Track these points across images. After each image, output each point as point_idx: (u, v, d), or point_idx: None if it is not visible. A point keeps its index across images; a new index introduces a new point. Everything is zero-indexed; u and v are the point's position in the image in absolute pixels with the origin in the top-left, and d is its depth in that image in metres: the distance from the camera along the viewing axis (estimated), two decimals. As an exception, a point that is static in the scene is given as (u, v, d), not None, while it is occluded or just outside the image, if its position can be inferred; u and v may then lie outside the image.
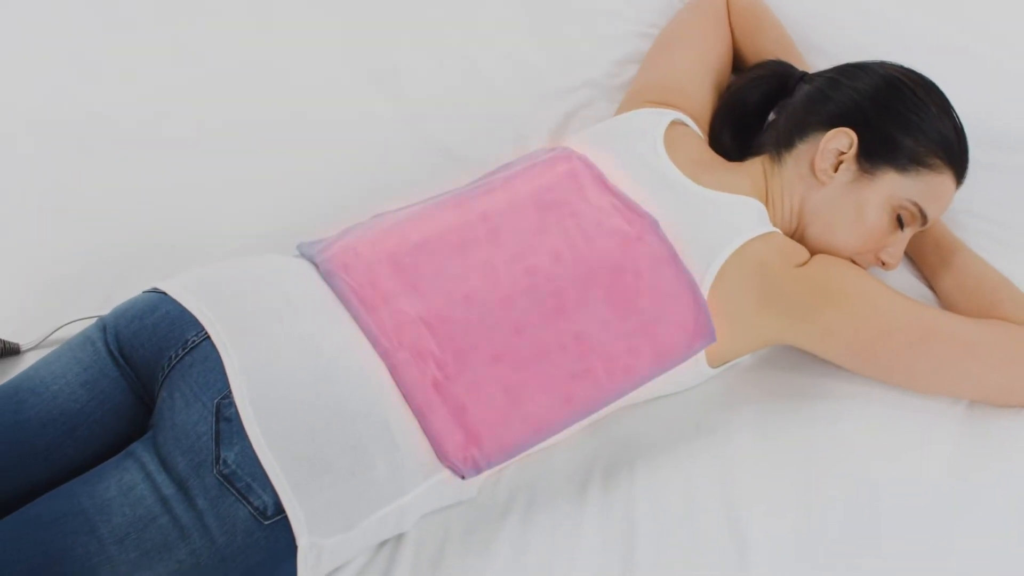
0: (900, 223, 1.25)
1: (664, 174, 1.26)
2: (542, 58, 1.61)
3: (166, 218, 1.43)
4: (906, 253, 1.35)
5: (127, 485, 1.01)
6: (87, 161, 1.50)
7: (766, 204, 1.28)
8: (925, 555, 1.08)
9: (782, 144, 1.30)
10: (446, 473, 1.09)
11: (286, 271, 1.18)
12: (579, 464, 1.18)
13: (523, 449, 1.12)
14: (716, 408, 1.23)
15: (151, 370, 1.10)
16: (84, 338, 1.14)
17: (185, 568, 0.99)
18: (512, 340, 1.12)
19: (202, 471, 1.01)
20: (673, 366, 1.17)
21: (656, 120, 1.34)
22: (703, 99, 1.45)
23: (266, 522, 1.00)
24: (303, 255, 1.23)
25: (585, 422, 1.16)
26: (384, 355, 1.10)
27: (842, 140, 1.24)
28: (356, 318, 1.13)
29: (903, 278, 1.33)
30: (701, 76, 1.47)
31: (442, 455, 1.07)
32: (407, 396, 1.08)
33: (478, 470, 1.09)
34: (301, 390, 1.05)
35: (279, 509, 1.01)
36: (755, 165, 1.32)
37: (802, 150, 1.28)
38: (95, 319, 1.22)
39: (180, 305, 1.11)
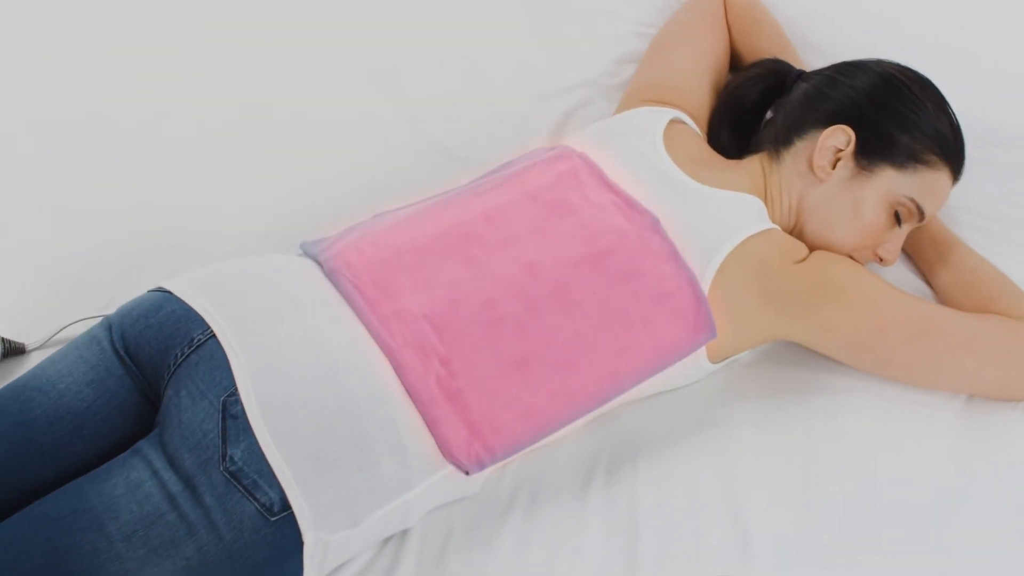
0: (897, 219, 1.26)
1: (664, 172, 1.27)
2: (542, 58, 1.62)
3: (166, 218, 1.44)
4: (903, 249, 1.36)
5: (134, 482, 1.01)
6: (87, 161, 1.50)
7: (765, 201, 1.29)
8: (924, 548, 1.08)
9: (780, 142, 1.31)
10: (450, 469, 1.09)
11: (290, 270, 1.19)
12: (582, 459, 1.19)
13: (527, 445, 1.12)
14: (717, 403, 1.23)
15: (157, 368, 1.10)
16: (90, 337, 1.14)
17: (192, 564, 1.00)
18: (514, 337, 1.13)
19: (209, 468, 1.01)
20: (674, 362, 1.18)
21: (656, 118, 1.34)
22: (701, 98, 1.46)
23: (273, 518, 1.01)
24: (306, 254, 1.24)
25: (588, 417, 1.17)
26: (388, 352, 1.10)
27: (840, 137, 1.25)
28: (360, 316, 1.13)
29: (900, 274, 1.34)
30: (699, 75, 1.48)
31: (446, 451, 1.08)
32: (411, 393, 1.09)
33: (482, 466, 1.09)
34: (306, 387, 1.06)
35: (285, 505, 1.01)
36: (754, 163, 1.33)
37: (800, 147, 1.29)
38: (100, 318, 1.23)
39: (185, 304, 1.12)
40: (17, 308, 1.32)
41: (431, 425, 1.08)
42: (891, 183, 1.24)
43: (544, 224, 1.21)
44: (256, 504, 1.01)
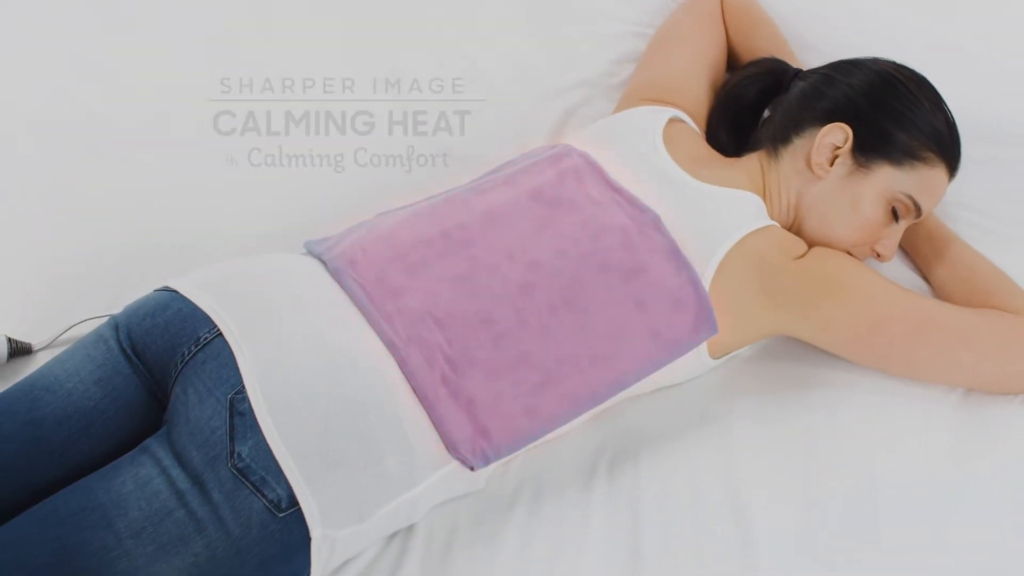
0: (895, 215, 1.27)
1: (664, 170, 1.28)
2: (542, 58, 1.62)
3: (168, 218, 1.44)
4: (900, 245, 1.37)
5: (143, 480, 1.02)
6: (88, 161, 1.50)
7: (764, 198, 1.30)
8: (922, 544, 1.09)
9: (778, 139, 1.32)
10: (455, 464, 1.10)
11: (295, 269, 1.20)
12: (585, 454, 1.19)
13: (531, 440, 1.13)
14: (718, 398, 1.24)
15: (164, 367, 1.11)
16: (97, 336, 1.15)
17: (201, 560, 1.00)
18: (518, 334, 1.14)
19: (217, 465, 1.02)
20: (676, 357, 1.18)
21: (655, 117, 1.35)
22: (699, 96, 1.47)
23: (280, 515, 1.01)
24: (310, 253, 1.24)
25: (590, 413, 1.18)
26: (393, 350, 1.11)
27: (837, 135, 1.26)
28: (365, 314, 1.14)
29: (898, 270, 1.35)
30: (697, 74, 1.49)
31: (451, 447, 1.09)
32: (416, 390, 1.10)
33: (487, 462, 1.10)
34: (313, 385, 1.06)
35: (293, 502, 1.02)
36: (752, 160, 1.34)
37: (798, 145, 1.30)
38: (106, 318, 1.23)
39: (192, 303, 1.12)
40: (23, 308, 1.33)
41: (436, 422, 1.09)
42: (888, 180, 1.25)
43: (545, 222, 1.22)
44: (264, 500, 1.01)
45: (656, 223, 1.21)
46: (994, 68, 1.52)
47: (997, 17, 1.55)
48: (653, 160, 1.29)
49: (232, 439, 1.03)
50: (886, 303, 1.18)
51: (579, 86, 1.59)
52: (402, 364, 1.10)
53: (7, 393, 1.11)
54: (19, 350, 1.27)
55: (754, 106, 1.42)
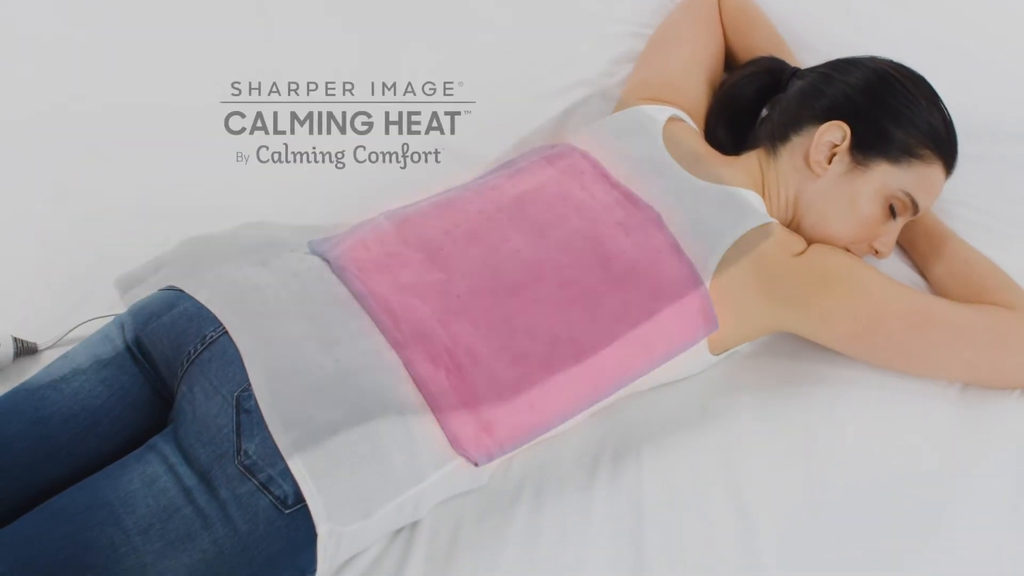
0: (892, 213, 1.27)
1: (664, 168, 1.28)
2: (540, 58, 1.63)
3: (168, 218, 1.44)
4: (898, 242, 1.38)
5: (150, 477, 1.02)
6: (89, 161, 1.51)
7: (763, 196, 1.31)
8: (921, 539, 1.10)
9: (777, 138, 1.33)
10: (460, 461, 1.10)
11: (299, 267, 1.20)
12: (587, 450, 1.20)
13: (534, 436, 1.14)
14: (718, 394, 1.24)
15: (170, 366, 1.12)
16: (102, 335, 1.15)
17: (208, 557, 1.00)
18: (521, 331, 1.14)
19: (224, 462, 1.02)
20: (677, 354, 1.19)
21: (655, 116, 1.36)
22: (697, 95, 1.48)
23: (287, 511, 1.02)
24: (314, 252, 1.25)
25: (593, 409, 1.18)
26: (397, 347, 1.12)
27: (835, 133, 1.27)
28: (369, 312, 1.14)
29: (895, 266, 1.36)
30: (695, 73, 1.50)
31: (456, 444, 1.09)
32: (420, 387, 1.10)
33: (491, 457, 1.11)
34: (318, 382, 1.07)
35: (299, 498, 1.02)
36: (751, 158, 1.35)
37: (796, 143, 1.31)
38: (111, 317, 1.23)
39: (197, 302, 1.13)
40: (29, 308, 1.33)
41: (440, 418, 1.09)
42: (886, 177, 1.26)
43: (547, 221, 1.23)
44: (270, 497, 1.02)
45: (657, 221, 1.22)
46: (991, 66, 1.53)
47: (993, 16, 1.56)
48: (654, 158, 1.30)
49: (239, 436, 1.03)
50: (885, 299, 1.19)
51: (578, 86, 1.60)
52: (406, 361, 1.11)
53: (13, 392, 1.12)
54: (25, 350, 1.28)
55: (752, 105, 1.43)
